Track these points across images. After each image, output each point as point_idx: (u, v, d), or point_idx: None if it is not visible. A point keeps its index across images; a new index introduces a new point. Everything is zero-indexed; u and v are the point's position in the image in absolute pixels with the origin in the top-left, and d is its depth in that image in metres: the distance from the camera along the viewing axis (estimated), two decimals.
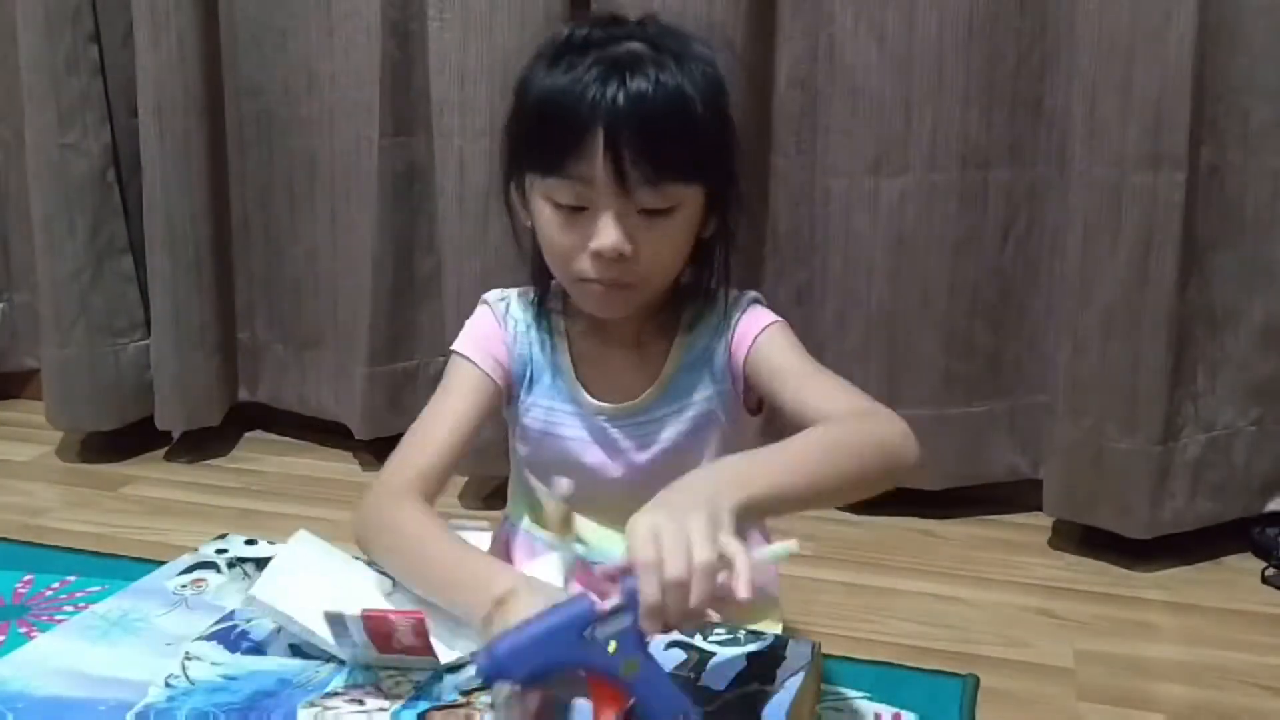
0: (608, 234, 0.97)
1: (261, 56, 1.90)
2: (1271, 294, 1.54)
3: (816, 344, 1.70)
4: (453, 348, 1.12)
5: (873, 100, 1.60)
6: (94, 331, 1.95)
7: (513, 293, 1.14)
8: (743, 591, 0.75)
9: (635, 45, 0.98)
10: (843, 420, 0.96)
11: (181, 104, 1.86)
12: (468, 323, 1.14)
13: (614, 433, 1.09)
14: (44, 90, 1.87)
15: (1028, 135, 1.62)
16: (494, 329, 1.12)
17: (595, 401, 1.09)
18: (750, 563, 0.76)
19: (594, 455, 1.10)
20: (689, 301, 1.09)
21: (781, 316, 1.11)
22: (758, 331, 1.07)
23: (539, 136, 0.99)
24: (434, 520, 0.98)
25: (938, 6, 1.56)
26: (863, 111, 1.61)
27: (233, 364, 2.04)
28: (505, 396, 1.12)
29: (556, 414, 1.11)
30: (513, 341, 1.11)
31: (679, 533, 0.76)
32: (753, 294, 1.12)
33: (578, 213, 0.98)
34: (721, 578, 0.75)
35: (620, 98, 0.94)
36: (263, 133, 1.94)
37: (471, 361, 1.09)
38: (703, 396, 1.08)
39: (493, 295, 1.15)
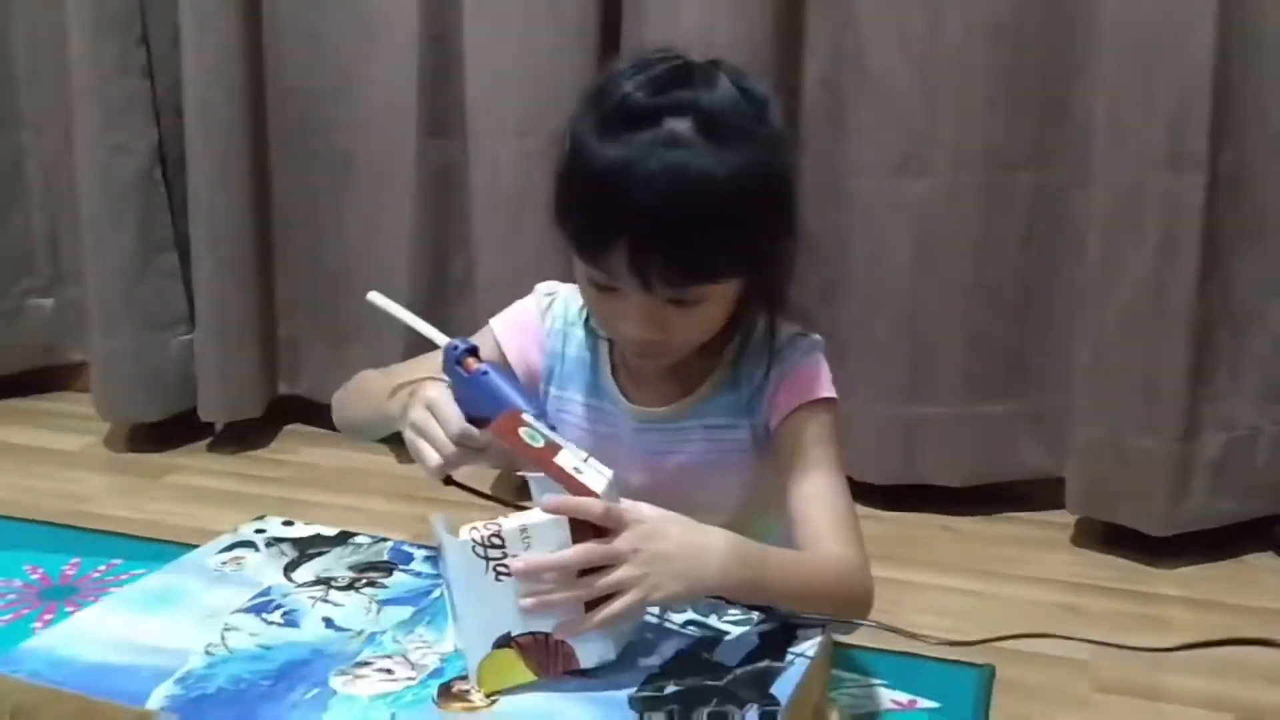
0: (634, 326, 0.98)
1: (302, 60, 1.96)
2: None
3: (840, 343, 1.72)
4: (491, 322, 1.17)
5: (897, 103, 1.63)
6: (140, 326, 2.01)
7: (566, 288, 1.15)
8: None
9: (680, 126, 0.92)
10: (839, 572, 1.00)
11: (225, 105, 1.91)
12: (514, 305, 1.18)
13: (644, 436, 1.11)
14: (93, 91, 1.93)
15: (1051, 138, 1.64)
16: (534, 322, 1.16)
17: (629, 403, 1.11)
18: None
19: (622, 455, 1.10)
20: (735, 328, 1.08)
21: (820, 335, 1.11)
22: (799, 403, 1.06)
23: (570, 222, 0.97)
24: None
25: (961, 11, 1.58)
26: (888, 114, 1.64)
27: (273, 358, 2.09)
28: (534, 388, 1.16)
29: (592, 411, 1.13)
30: (545, 337, 1.15)
31: (657, 556, 0.86)
32: (814, 340, 1.10)
33: (610, 290, 0.98)
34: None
35: (648, 207, 0.90)
36: (303, 133, 1.99)
37: (500, 346, 1.14)
38: (737, 423, 1.09)
39: (544, 287, 1.17)
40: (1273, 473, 1.61)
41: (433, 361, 1.05)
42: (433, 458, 0.95)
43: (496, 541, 0.85)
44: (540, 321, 1.15)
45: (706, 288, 0.96)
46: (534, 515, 0.86)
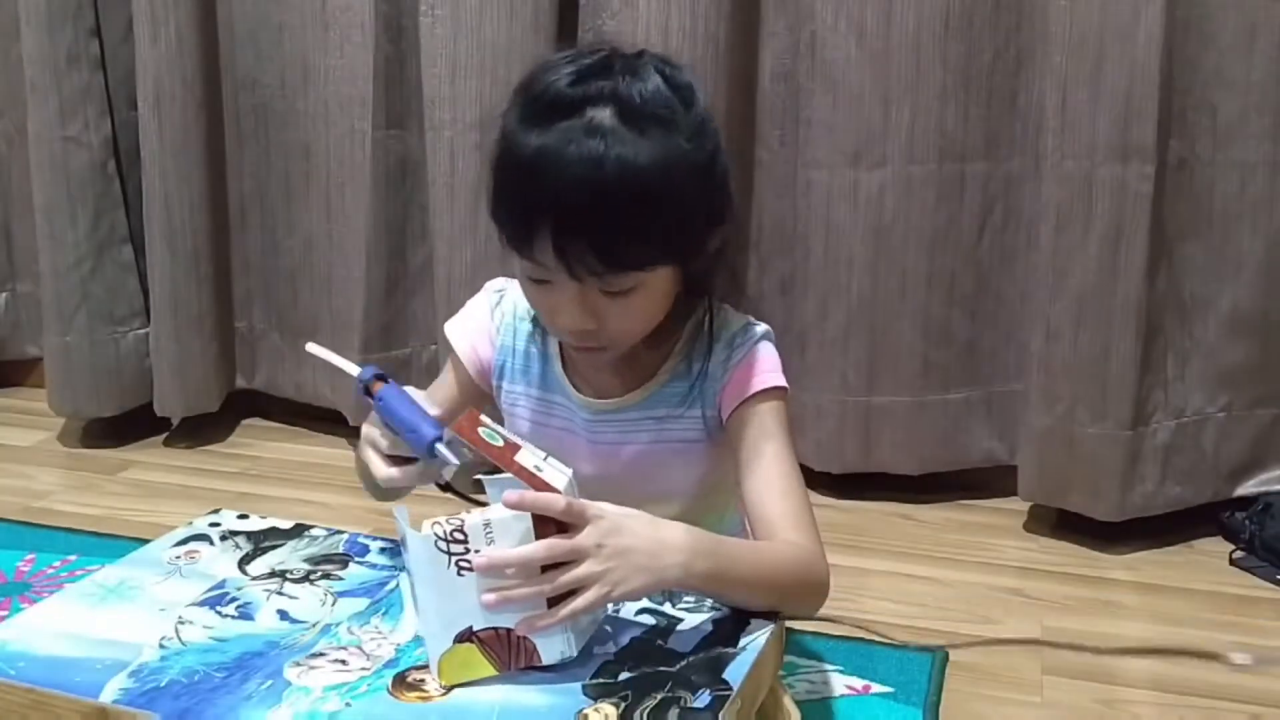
0: (566, 316, 0.99)
1: (258, 51, 1.95)
2: (1239, 284, 1.58)
3: (799, 333, 1.74)
4: (445, 326, 1.19)
5: (853, 94, 1.64)
6: (94, 320, 1.99)
7: (515, 284, 1.15)
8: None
9: (602, 115, 0.93)
10: (797, 560, 1.00)
11: (180, 97, 1.90)
12: (467, 304, 1.19)
13: (596, 428, 1.12)
14: (46, 84, 1.91)
15: (1003, 129, 1.65)
16: (484, 320, 1.17)
17: (581, 396, 1.12)
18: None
19: (575, 447, 1.12)
20: (684, 319, 1.09)
21: (766, 322, 1.12)
22: (751, 393, 1.06)
23: (499, 212, 0.98)
24: None
25: (915, 3, 1.59)
26: (843, 105, 1.65)
27: (230, 352, 2.08)
28: (487, 384, 1.18)
29: (543, 404, 1.14)
30: (496, 333, 1.16)
31: (616, 553, 0.87)
32: (763, 329, 1.11)
33: (544, 283, 0.99)
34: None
35: (567, 195, 0.92)
36: (260, 125, 1.98)
37: (453, 348, 1.17)
38: (688, 413, 1.10)
39: (494, 284, 1.19)
40: (1220, 459, 1.64)
41: (435, 390, 1.17)
42: (376, 490, 1.03)
43: (459, 536, 0.86)
44: (490, 318, 1.17)
45: (634, 275, 0.97)
46: (497, 510, 0.87)
